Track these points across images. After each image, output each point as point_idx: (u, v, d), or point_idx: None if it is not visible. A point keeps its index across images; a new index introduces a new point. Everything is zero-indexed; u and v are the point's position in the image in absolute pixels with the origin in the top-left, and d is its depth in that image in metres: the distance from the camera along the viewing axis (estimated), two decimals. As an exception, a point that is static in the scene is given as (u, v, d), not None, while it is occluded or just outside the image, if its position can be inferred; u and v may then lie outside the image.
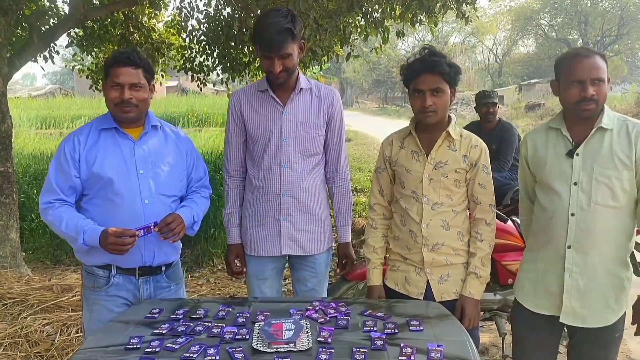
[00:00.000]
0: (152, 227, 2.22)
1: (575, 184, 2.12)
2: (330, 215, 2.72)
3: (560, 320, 2.18)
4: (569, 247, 2.14)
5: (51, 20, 6.12)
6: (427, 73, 2.22)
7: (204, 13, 6.77)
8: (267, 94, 2.52)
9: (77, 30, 6.83)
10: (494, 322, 3.68)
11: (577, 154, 2.12)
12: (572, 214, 2.12)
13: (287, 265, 2.74)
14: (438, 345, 1.80)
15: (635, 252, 3.82)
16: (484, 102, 4.99)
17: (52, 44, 5.96)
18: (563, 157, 2.16)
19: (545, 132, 2.26)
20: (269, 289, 2.63)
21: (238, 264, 2.67)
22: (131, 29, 6.98)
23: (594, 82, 2.05)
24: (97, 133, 2.31)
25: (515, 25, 44.71)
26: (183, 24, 7.03)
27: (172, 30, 7.59)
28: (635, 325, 2.13)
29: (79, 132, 2.33)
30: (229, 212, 2.65)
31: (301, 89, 2.53)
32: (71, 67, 9.21)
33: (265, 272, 2.62)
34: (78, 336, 3.64)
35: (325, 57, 6.64)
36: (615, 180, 2.06)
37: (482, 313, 2.51)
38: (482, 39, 49.50)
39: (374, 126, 23.25)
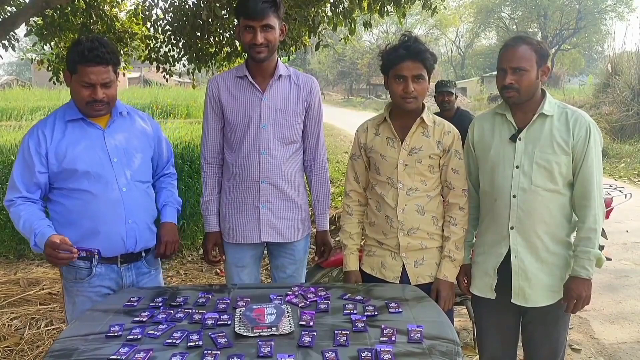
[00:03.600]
0: (95, 253, 2.22)
1: (517, 167, 2.23)
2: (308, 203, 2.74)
3: (512, 301, 2.28)
4: (511, 228, 2.26)
5: (9, 8, 5.92)
6: (411, 60, 2.25)
7: (168, 2, 6.64)
8: (246, 80, 2.51)
9: (36, 19, 6.62)
10: (464, 307, 3.77)
11: (520, 139, 2.24)
12: (514, 196, 2.24)
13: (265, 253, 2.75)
14: (418, 326, 1.83)
15: (602, 239, 3.98)
16: (439, 90, 5.11)
17: (12, 32, 5.77)
18: (507, 141, 2.27)
19: (491, 118, 2.37)
20: (247, 277, 2.63)
21: (216, 252, 2.67)
22: (94, 18, 6.80)
23: (514, 70, 2.16)
24: (63, 125, 2.25)
25: (477, 18, 45.39)
26: (147, 13, 6.89)
27: (135, 20, 7.43)
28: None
29: (42, 125, 2.25)
30: (206, 199, 2.63)
31: (280, 76, 2.52)
32: (30, 60, 8.89)
33: (244, 260, 2.62)
34: (48, 329, 3.59)
35: (294, 48, 6.61)
36: (554, 164, 2.18)
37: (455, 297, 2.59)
38: (445, 31, 50.09)
39: (339, 117, 23.29)
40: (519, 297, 2.28)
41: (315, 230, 2.77)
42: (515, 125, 2.26)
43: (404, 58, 2.26)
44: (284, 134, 2.53)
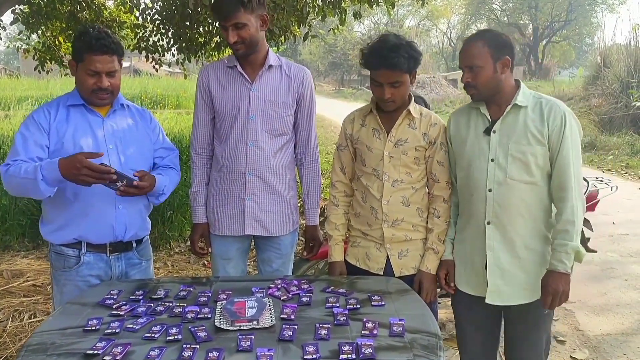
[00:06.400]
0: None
1: (492, 160, 2.17)
2: (298, 196, 2.70)
3: (486, 302, 2.21)
4: (488, 223, 2.19)
5: (-6, -5, 5.82)
6: (385, 69, 2.22)
7: (156, -9, 6.57)
8: (236, 70, 2.48)
9: (22, 7, 6.53)
10: (449, 299, 3.77)
11: (494, 131, 2.17)
12: (490, 190, 2.17)
13: (252, 246, 2.73)
14: (400, 319, 1.83)
15: (585, 229, 4.00)
16: None
17: (-2, 20, 5.69)
18: (481, 134, 2.21)
19: (467, 112, 2.31)
20: (233, 269, 2.60)
21: (202, 244, 2.64)
22: (82, 6, 6.71)
23: (469, 69, 2.13)
24: (65, 109, 2.29)
25: (468, 9, 45.35)
26: (135, 1, 6.81)
27: (123, 8, 7.35)
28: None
29: (49, 105, 2.31)
30: (194, 190, 2.61)
31: (270, 66, 2.49)
32: (16, 48, 8.79)
33: (230, 252, 2.60)
34: (31, 322, 3.56)
35: (282, 38, 6.57)
36: (529, 155, 2.11)
37: (438, 290, 2.57)
38: (436, 22, 50.08)
39: (330, 109, 23.22)
40: (493, 294, 2.20)
41: (304, 223, 2.73)
42: (489, 118, 2.20)
43: (378, 67, 2.24)
44: (272, 126, 2.49)
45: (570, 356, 3.52)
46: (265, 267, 2.66)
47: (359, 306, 1.96)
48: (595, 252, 4.37)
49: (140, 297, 2.04)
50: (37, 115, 2.24)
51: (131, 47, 7.45)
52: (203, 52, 7.10)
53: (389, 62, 2.20)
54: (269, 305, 1.92)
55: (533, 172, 2.13)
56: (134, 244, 2.40)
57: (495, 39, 2.13)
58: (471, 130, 2.25)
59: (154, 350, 1.63)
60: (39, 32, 7.15)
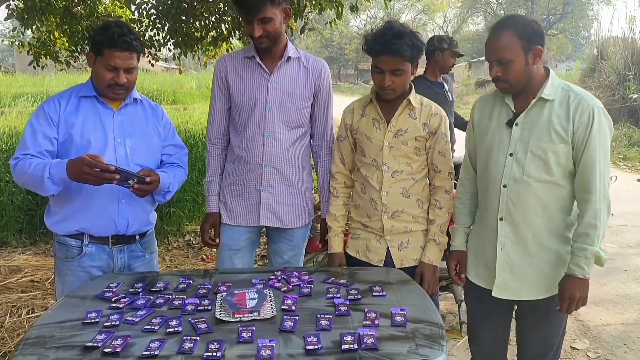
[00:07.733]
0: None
1: (511, 154, 2.06)
2: (314, 189, 2.68)
3: (493, 295, 2.15)
4: (500, 219, 2.11)
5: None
6: (388, 55, 2.20)
7: (152, -16, 6.52)
8: (254, 60, 2.46)
9: (16, 2, 6.48)
10: (450, 290, 3.77)
11: (517, 124, 2.06)
12: (504, 186, 2.08)
13: (264, 237, 2.70)
14: (401, 309, 1.81)
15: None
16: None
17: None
18: (503, 126, 2.10)
19: (493, 99, 2.20)
20: (240, 261, 2.58)
21: (211, 234, 2.63)
22: (76, 1, 6.65)
23: (498, 62, 2.00)
24: (77, 100, 2.28)
25: (464, 3, 45.34)
26: (131, -5, 6.76)
27: (119, 3, 7.30)
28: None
29: (60, 96, 2.30)
30: (209, 180, 2.60)
31: (289, 58, 2.47)
32: (10, 43, 8.72)
33: (239, 243, 2.57)
34: (29, 317, 3.54)
35: (279, 31, 6.53)
36: (550, 153, 1.99)
37: (442, 281, 2.56)
38: (432, 16, 49.97)
39: (327, 103, 23.18)
40: (500, 288, 2.14)
41: (318, 215, 2.70)
42: (513, 109, 2.08)
43: (380, 53, 2.21)
44: (290, 118, 2.48)
45: (571, 346, 3.52)
46: (277, 258, 2.66)
47: (360, 297, 1.95)
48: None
49: (140, 290, 2.03)
50: (47, 107, 2.23)
51: (127, 42, 7.37)
52: (199, 46, 7.06)
53: (391, 48, 2.18)
54: (270, 297, 1.90)
55: (553, 171, 2.02)
56: (137, 237, 2.39)
57: (526, 28, 1.96)
58: (493, 121, 2.15)
59: (154, 342, 1.61)
60: (34, 27, 7.09)
